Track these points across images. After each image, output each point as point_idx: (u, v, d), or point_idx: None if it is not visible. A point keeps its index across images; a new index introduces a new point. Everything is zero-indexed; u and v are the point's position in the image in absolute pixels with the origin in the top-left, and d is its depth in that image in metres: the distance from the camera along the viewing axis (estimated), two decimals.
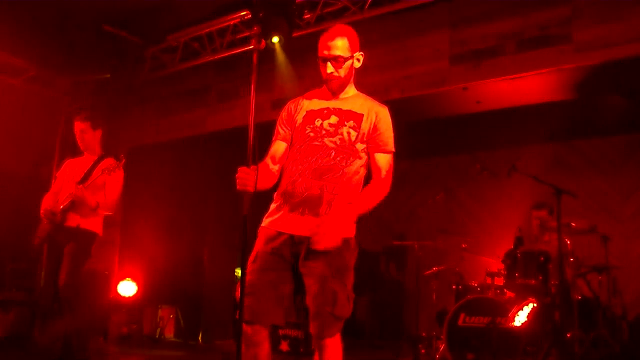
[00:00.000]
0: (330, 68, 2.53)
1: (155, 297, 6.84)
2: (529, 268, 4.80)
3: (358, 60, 2.61)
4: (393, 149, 2.60)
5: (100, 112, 5.02)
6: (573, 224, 4.83)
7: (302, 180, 2.48)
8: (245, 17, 5.57)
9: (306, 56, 5.87)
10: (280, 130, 2.66)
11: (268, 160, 2.62)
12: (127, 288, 6.64)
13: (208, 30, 5.94)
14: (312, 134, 2.54)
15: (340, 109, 2.58)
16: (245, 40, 5.83)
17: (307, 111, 2.62)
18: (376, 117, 2.57)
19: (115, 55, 6.53)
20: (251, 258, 2.51)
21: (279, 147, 2.65)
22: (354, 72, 2.63)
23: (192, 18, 5.94)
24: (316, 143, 2.52)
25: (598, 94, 5.35)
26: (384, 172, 2.55)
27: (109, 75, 6.70)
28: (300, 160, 2.52)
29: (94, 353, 4.70)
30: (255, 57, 2.50)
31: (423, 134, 6.86)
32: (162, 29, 6.18)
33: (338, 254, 2.41)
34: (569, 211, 4.81)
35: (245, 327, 2.42)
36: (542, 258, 4.82)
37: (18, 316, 5.99)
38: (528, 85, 4.92)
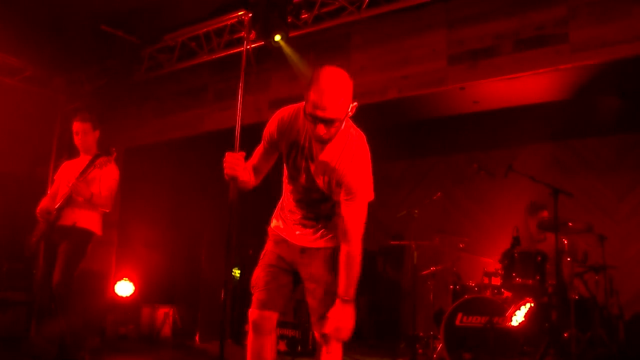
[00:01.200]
0: (322, 130, 2.25)
1: (153, 297, 6.83)
2: (526, 268, 4.81)
3: (351, 111, 2.32)
4: (364, 197, 2.40)
5: (95, 111, 5.00)
6: (570, 224, 4.85)
7: (299, 208, 2.60)
8: (243, 17, 5.56)
9: (303, 56, 5.88)
10: (266, 144, 2.57)
11: (250, 165, 2.59)
12: (124, 288, 6.63)
13: (205, 30, 5.93)
14: (294, 171, 2.51)
15: (318, 157, 2.41)
16: (242, 40, 5.83)
17: (291, 142, 2.48)
18: (342, 172, 2.36)
19: (112, 55, 6.52)
20: (261, 254, 2.69)
21: (262, 158, 2.60)
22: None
23: (189, 18, 5.93)
24: (303, 185, 2.51)
25: (594, 94, 5.36)
26: (352, 229, 2.40)
27: (106, 78, 6.70)
28: (294, 192, 2.60)
29: (90, 353, 4.69)
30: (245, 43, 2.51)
31: (420, 133, 6.87)
32: (159, 28, 6.16)
33: (337, 260, 2.49)
34: (565, 211, 4.82)
35: (255, 315, 2.55)
36: (539, 258, 4.83)
37: (15, 316, 5.98)
38: (525, 85, 4.93)
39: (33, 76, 6.95)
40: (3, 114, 6.54)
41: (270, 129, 2.53)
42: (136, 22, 6.01)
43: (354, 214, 2.39)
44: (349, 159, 2.37)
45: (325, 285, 2.53)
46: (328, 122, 2.23)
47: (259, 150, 2.61)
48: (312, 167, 2.44)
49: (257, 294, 2.58)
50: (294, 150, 2.47)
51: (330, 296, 2.48)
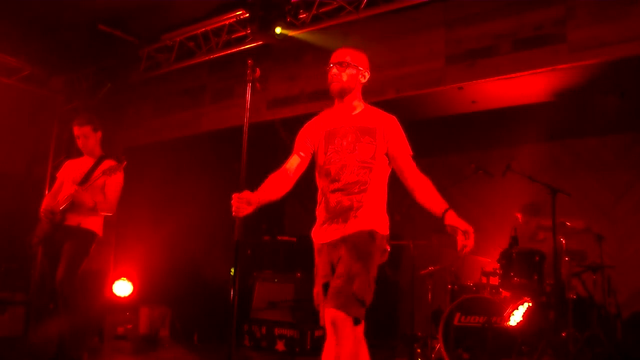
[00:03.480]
0: (334, 70, 2.77)
1: (151, 297, 6.82)
2: (524, 267, 4.81)
3: (363, 76, 2.83)
4: (403, 134, 2.82)
5: (94, 112, 4.99)
6: (568, 224, 4.85)
7: (333, 197, 2.74)
8: (241, 17, 5.55)
9: (301, 56, 5.87)
10: (298, 147, 2.90)
11: (283, 170, 2.85)
12: (122, 288, 6.62)
13: (203, 29, 5.92)
14: (334, 154, 2.77)
15: (354, 125, 2.78)
16: (241, 40, 5.82)
17: (325, 132, 2.84)
18: (388, 127, 2.77)
19: (110, 55, 6.51)
20: (314, 271, 2.83)
21: (294, 160, 2.87)
22: (358, 85, 2.84)
23: (188, 17, 5.92)
24: (340, 162, 2.74)
25: (592, 94, 5.37)
26: (416, 170, 2.77)
27: (104, 78, 6.68)
28: (329, 178, 2.77)
29: (88, 353, 4.68)
30: (249, 86, 2.76)
31: (418, 133, 6.78)
32: (157, 28, 6.16)
33: (364, 243, 2.63)
34: (563, 210, 4.83)
35: (331, 332, 2.59)
36: (537, 257, 4.83)
37: (13, 317, 5.97)
38: (523, 85, 4.93)
39: (31, 76, 6.93)
40: (1, 114, 6.52)
41: (301, 133, 2.93)
42: (134, 21, 6.00)
43: (404, 148, 2.79)
44: (381, 115, 2.82)
45: (348, 263, 2.56)
46: (339, 64, 2.77)
47: (291, 156, 2.90)
48: (353, 137, 2.75)
49: (322, 311, 2.67)
50: (331, 135, 2.81)
51: (350, 274, 2.52)
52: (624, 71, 4.63)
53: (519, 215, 5.55)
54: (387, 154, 2.78)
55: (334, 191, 2.74)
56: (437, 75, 4.99)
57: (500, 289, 5.00)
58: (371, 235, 2.66)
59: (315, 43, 5.23)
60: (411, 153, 2.80)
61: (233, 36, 5.86)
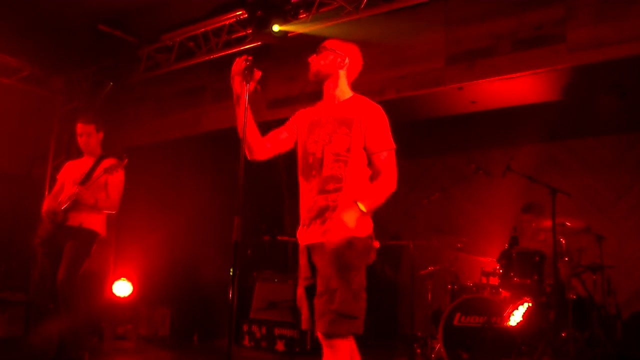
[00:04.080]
0: (312, 56, 2.77)
1: (151, 297, 6.82)
2: (524, 267, 4.81)
3: (342, 60, 2.74)
4: (392, 146, 2.62)
5: (93, 111, 5.00)
6: (568, 224, 4.85)
7: (310, 195, 2.63)
8: (241, 17, 5.56)
9: (301, 56, 5.86)
10: (285, 126, 2.83)
11: (266, 136, 2.78)
12: (122, 288, 6.62)
13: (203, 29, 5.92)
14: (312, 146, 2.67)
15: (333, 115, 2.68)
16: (241, 40, 5.83)
17: (309, 121, 2.76)
18: (366, 118, 2.60)
19: (109, 55, 6.51)
20: (298, 271, 2.73)
21: (278, 132, 2.81)
22: (337, 70, 2.74)
23: (188, 18, 5.92)
24: (316, 155, 2.63)
25: (592, 94, 5.37)
26: (383, 170, 2.57)
27: (103, 78, 6.68)
28: (306, 174, 2.67)
29: (88, 353, 4.68)
30: (247, 95, 2.65)
31: (418, 133, 6.86)
32: (157, 28, 6.16)
33: (341, 254, 2.47)
34: (563, 210, 4.83)
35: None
36: (537, 258, 4.83)
37: (13, 317, 5.97)
38: (523, 85, 4.93)
39: (31, 76, 6.92)
40: (1, 114, 6.52)
41: (292, 117, 2.87)
42: (134, 21, 6.00)
43: (379, 141, 2.59)
44: (364, 105, 2.66)
45: (327, 280, 2.44)
46: (317, 50, 2.77)
47: (276, 129, 2.83)
48: (330, 127, 2.64)
49: (304, 314, 2.63)
50: (313, 125, 2.72)
51: (329, 292, 2.41)
52: (624, 71, 4.63)
53: (519, 215, 5.55)
54: (364, 147, 2.59)
55: (311, 189, 2.62)
56: (437, 75, 4.99)
57: (500, 289, 5.00)
58: (349, 243, 2.43)
59: (315, 43, 5.21)
60: (393, 146, 2.61)
61: (233, 36, 5.87)
